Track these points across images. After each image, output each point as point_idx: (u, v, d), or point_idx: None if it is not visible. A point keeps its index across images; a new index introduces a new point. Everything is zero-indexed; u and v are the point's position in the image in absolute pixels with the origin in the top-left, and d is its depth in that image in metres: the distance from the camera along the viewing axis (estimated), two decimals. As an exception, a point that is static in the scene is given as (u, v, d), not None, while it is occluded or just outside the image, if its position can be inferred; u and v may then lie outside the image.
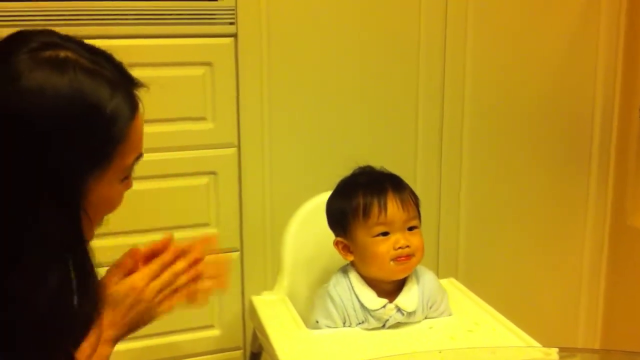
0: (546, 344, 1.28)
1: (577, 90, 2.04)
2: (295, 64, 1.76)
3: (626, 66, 2.03)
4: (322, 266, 1.56)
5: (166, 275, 1.06)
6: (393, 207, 1.37)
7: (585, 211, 2.12)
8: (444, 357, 1.25)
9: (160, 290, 1.05)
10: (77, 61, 0.87)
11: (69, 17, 1.55)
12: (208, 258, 1.12)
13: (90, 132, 0.87)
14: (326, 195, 1.51)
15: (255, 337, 1.56)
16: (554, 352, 1.22)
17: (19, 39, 0.88)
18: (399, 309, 1.37)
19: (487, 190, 2.01)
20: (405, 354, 1.28)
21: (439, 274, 1.84)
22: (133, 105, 0.93)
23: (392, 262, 1.36)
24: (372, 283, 1.39)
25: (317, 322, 1.39)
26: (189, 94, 1.68)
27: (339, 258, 1.43)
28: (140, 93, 0.95)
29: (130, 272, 1.06)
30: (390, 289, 1.40)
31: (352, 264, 1.42)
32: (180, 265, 1.08)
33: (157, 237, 1.72)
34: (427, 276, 1.43)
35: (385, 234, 1.37)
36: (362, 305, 1.37)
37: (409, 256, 1.36)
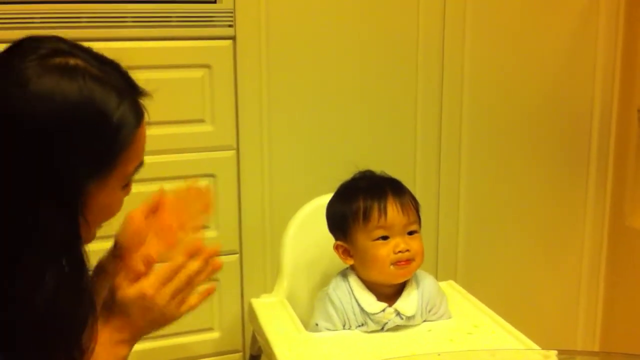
0: (545, 346, 1.28)
1: (575, 91, 2.04)
2: (293, 66, 1.76)
3: (625, 67, 2.03)
4: (321, 269, 1.56)
5: (179, 279, 1.04)
6: (393, 211, 1.37)
7: (584, 212, 2.12)
8: (443, 359, 1.25)
9: (173, 295, 1.04)
10: (86, 69, 0.88)
11: (69, 19, 1.55)
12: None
13: (95, 138, 0.88)
14: (325, 198, 1.51)
15: (254, 339, 1.56)
16: (553, 354, 1.22)
17: (28, 44, 0.89)
18: (398, 313, 1.37)
19: (486, 192, 2.01)
20: (405, 356, 1.28)
21: (438, 276, 1.84)
22: (138, 113, 0.93)
23: (392, 267, 1.36)
24: (371, 287, 1.39)
25: (317, 324, 1.39)
26: (188, 96, 1.68)
27: (338, 261, 1.43)
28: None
29: (139, 276, 1.04)
30: (390, 293, 1.40)
31: (352, 267, 1.42)
32: (192, 266, 1.06)
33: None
34: (426, 280, 1.43)
35: (385, 237, 1.37)
36: (361, 309, 1.37)
37: (408, 261, 1.36)
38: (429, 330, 1.38)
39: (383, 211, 1.37)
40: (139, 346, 1.70)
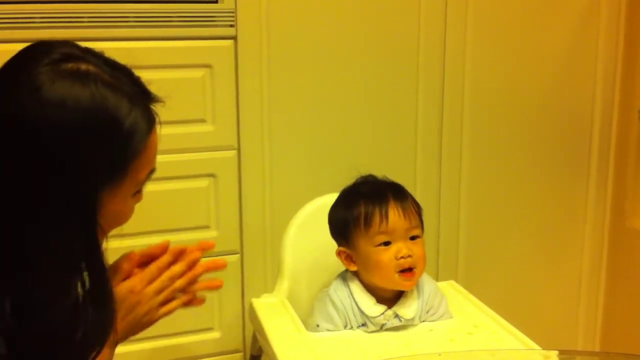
0: (546, 346, 1.28)
1: (576, 91, 2.04)
2: (294, 66, 1.76)
3: (626, 68, 2.03)
4: (322, 268, 1.56)
5: (163, 278, 1.07)
6: (394, 216, 1.36)
7: (584, 213, 2.12)
8: (444, 359, 1.25)
9: (158, 293, 1.07)
10: (98, 74, 0.87)
11: (69, 19, 1.55)
12: (204, 260, 1.13)
13: (108, 145, 0.87)
14: (326, 198, 1.51)
15: (255, 339, 1.56)
16: (553, 354, 1.22)
17: (40, 50, 0.88)
18: (397, 315, 1.37)
19: (487, 192, 2.01)
20: (405, 356, 1.28)
21: (439, 276, 1.85)
22: (150, 120, 0.93)
23: (397, 275, 1.35)
24: (372, 289, 1.39)
25: (318, 325, 1.39)
26: (189, 96, 1.68)
27: (338, 261, 1.43)
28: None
29: (127, 276, 1.07)
30: (390, 296, 1.39)
31: (355, 272, 1.41)
32: (177, 267, 1.09)
33: (157, 239, 1.72)
34: (426, 282, 1.43)
35: (387, 243, 1.35)
36: (361, 311, 1.37)
37: (412, 270, 1.35)
38: (430, 330, 1.38)
39: (384, 216, 1.35)
40: (139, 346, 1.71)
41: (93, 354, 0.92)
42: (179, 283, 1.09)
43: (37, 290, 0.85)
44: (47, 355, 0.87)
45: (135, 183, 0.94)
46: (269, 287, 1.73)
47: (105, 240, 0.96)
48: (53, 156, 0.84)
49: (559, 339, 2.12)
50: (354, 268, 1.40)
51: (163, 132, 1.65)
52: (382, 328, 1.37)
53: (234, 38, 1.69)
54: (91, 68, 0.87)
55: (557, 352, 1.22)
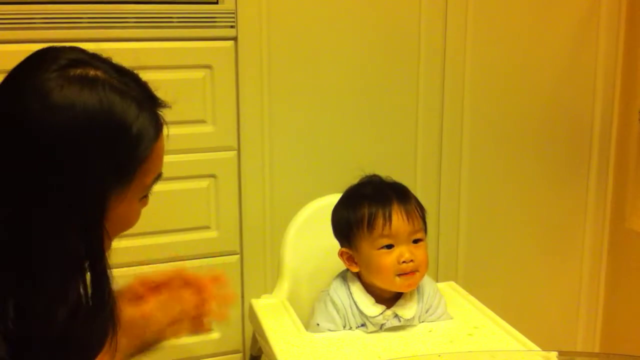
0: (546, 347, 1.28)
1: (576, 93, 2.04)
2: (295, 67, 1.76)
3: (626, 69, 2.04)
4: (322, 269, 1.56)
5: (174, 305, 1.09)
6: (398, 219, 1.35)
7: (584, 215, 2.12)
8: (444, 360, 1.25)
9: (168, 321, 1.08)
10: (106, 80, 0.87)
11: (70, 19, 1.56)
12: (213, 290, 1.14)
13: (115, 150, 0.87)
14: (326, 199, 1.51)
15: (254, 340, 1.56)
16: (553, 355, 1.22)
17: (48, 55, 0.88)
18: (396, 315, 1.37)
19: (487, 193, 2.01)
20: (405, 357, 1.28)
21: (439, 277, 1.85)
22: (158, 125, 0.93)
23: (397, 278, 1.35)
24: (372, 290, 1.39)
25: (318, 324, 1.39)
26: (189, 97, 1.68)
27: (339, 261, 1.43)
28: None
29: (138, 298, 1.08)
30: (390, 296, 1.39)
31: (356, 273, 1.41)
32: (187, 295, 1.10)
33: (157, 239, 1.74)
34: (426, 282, 1.43)
35: (389, 246, 1.35)
36: (360, 311, 1.37)
37: (413, 272, 1.35)
38: (430, 331, 1.38)
39: (388, 219, 1.34)
40: (139, 346, 1.70)
41: (93, 357, 0.92)
42: (188, 310, 1.11)
43: (40, 293, 0.85)
44: (47, 357, 0.87)
45: (142, 187, 0.94)
46: (268, 287, 1.73)
47: (108, 246, 0.96)
48: (61, 161, 0.84)
49: (558, 340, 2.12)
50: (355, 269, 1.40)
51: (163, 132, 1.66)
52: (381, 328, 1.37)
53: (235, 39, 1.69)
54: (99, 73, 0.87)
55: (556, 353, 1.22)
